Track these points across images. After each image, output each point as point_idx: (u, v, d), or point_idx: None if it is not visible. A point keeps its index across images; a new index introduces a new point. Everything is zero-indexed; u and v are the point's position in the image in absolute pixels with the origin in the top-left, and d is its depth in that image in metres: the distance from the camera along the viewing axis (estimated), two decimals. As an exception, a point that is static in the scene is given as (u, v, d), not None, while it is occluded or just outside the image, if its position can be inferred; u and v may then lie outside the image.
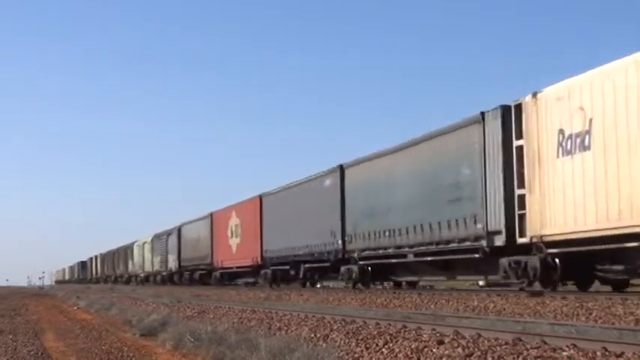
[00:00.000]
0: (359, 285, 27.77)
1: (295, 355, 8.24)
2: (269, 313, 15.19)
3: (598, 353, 6.82)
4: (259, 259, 37.67)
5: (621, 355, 6.69)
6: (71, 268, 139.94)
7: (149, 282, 66.42)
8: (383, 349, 8.53)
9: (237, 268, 41.77)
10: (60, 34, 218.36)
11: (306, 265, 32.84)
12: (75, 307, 27.07)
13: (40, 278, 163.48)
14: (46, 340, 13.87)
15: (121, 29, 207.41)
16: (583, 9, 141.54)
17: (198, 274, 49.95)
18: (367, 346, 8.90)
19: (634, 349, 6.82)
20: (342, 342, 9.48)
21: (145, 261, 68.67)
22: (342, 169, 29.35)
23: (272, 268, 36.44)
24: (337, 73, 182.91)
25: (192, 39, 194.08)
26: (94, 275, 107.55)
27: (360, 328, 10.56)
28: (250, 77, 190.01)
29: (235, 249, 42.05)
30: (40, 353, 11.46)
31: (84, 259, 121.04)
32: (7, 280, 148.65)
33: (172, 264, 56.86)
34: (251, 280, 40.89)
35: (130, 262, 76.63)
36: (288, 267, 34.50)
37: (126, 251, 79.26)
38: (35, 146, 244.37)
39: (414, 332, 9.43)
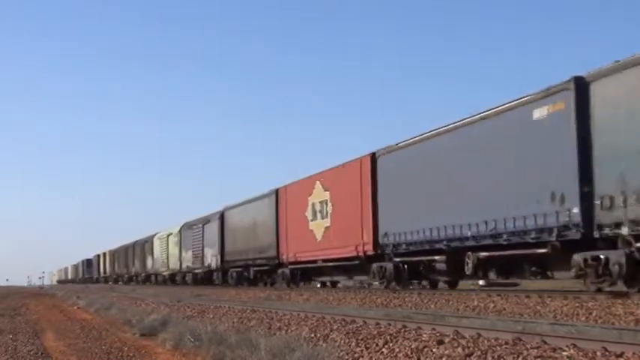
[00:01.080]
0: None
1: (295, 354, 8.24)
2: (269, 312, 15.20)
3: (598, 353, 6.82)
4: (371, 247, 25.43)
5: (621, 355, 6.69)
6: (75, 267, 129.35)
7: (175, 282, 55.57)
8: (383, 349, 8.53)
9: (326, 261, 29.63)
10: (60, 34, 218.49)
11: (493, 254, 19.39)
12: (75, 307, 27.07)
13: (40, 278, 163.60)
14: (46, 340, 13.86)
15: (121, 29, 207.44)
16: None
17: (253, 272, 38.25)
18: (367, 345, 8.90)
19: (634, 349, 6.82)
20: (342, 342, 9.48)
21: (169, 257, 56.97)
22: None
23: (397, 260, 24.06)
24: (337, 73, 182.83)
25: (192, 39, 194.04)
26: (101, 274, 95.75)
27: (360, 328, 10.56)
28: (250, 77, 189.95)
29: (321, 235, 29.77)
30: (40, 353, 11.45)
31: (89, 257, 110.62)
32: (7, 279, 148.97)
33: (211, 259, 45.01)
34: (362, 277, 28.24)
35: (148, 259, 65.21)
36: (434, 257, 21.98)
37: (143, 246, 67.77)
38: (35, 146, 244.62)
39: (414, 332, 9.43)
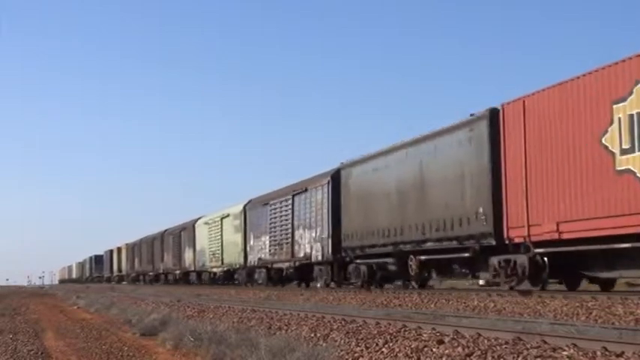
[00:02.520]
0: None
1: (295, 354, 8.23)
2: (269, 312, 15.19)
3: (598, 353, 6.82)
4: None
5: (621, 354, 6.68)
6: (80, 264, 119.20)
7: (235, 282, 41.86)
8: (383, 349, 8.53)
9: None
10: (60, 33, 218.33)
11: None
12: (75, 307, 27.06)
13: (40, 278, 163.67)
14: (46, 340, 13.86)
15: (121, 29, 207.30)
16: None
17: (417, 263, 23.01)
18: (367, 345, 8.90)
19: (634, 348, 6.82)
20: (342, 341, 9.48)
21: (225, 247, 42.50)
22: None
23: None
24: (337, 73, 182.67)
25: (192, 39, 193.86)
26: (115, 272, 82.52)
27: (360, 328, 10.56)
28: (250, 77, 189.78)
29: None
30: (40, 352, 11.45)
31: (98, 253, 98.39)
32: (7, 279, 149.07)
33: (311, 247, 30.02)
34: None
35: (186, 252, 51.08)
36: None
37: (179, 235, 53.31)
38: (35, 146, 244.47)
39: (414, 332, 9.43)
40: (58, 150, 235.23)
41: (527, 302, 15.00)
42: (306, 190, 31.09)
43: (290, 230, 32.58)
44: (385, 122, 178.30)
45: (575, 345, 7.19)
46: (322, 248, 29.15)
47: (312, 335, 10.46)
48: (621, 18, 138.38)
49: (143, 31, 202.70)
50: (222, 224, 43.43)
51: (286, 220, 33.19)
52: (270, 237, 35.33)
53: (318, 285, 29.87)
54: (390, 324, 10.60)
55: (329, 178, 29.00)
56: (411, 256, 23.43)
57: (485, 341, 8.02)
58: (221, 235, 43.47)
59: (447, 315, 13.08)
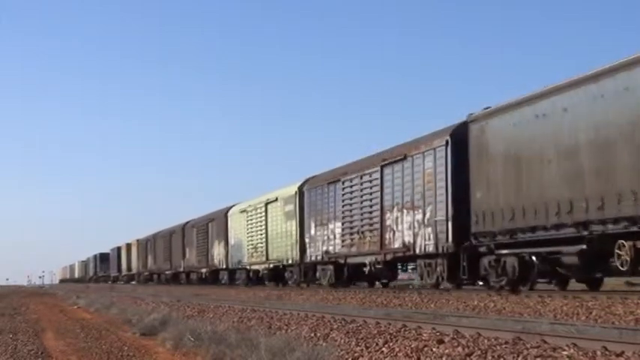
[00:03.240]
0: None
1: (295, 354, 8.23)
2: (269, 312, 15.20)
3: (598, 352, 6.82)
4: None
5: (621, 354, 6.68)
6: (84, 263, 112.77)
7: (285, 282, 33.83)
8: (383, 349, 8.52)
9: None
10: (60, 33, 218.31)
11: None
12: (75, 307, 27.06)
13: (40, 277, 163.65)
14: (46, 339, 13.85)
15: (121, 29, 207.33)
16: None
17: (632, 250, 15.28)
18: (367, 345, 8.90)
19: (634, 348, 6.82)
20: (342, 341, 9.48)
21: (271, 238, 34.73)
22: None
23: None
24: (337, 73, 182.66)
25: (192, 39, 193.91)
26: (123, 271, 76.33)
27: (360, 328, 10.56)
28: (250, 77, 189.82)
29: None
30: (40, 352, 11.44)
31: (104, 251, 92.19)
32: (7, 279, 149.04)
33: (419, 234, 22.35)
34: None
35: (215, 247, 43.86)
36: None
37: (206, 227, 45.93)
38: (35, 146, 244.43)
39: (414, 331, 9.43)
40: (58, 150, 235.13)
41: (527, 302, 15.01)
42: (404, 157, 23.25)
43: (378, 213, 24.82)
44: (385, 122, 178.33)
45: (575, 345, 7.19)
46: (435, 235, 21.37)
47: (312, 335, 10.46)
48: (621, 18, 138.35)
49: (143, 31, 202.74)
50: (266, 211, 35.35)
51: (371, 199, 25.48)
52: (343, 224, 27.42)
53: (428, 284, 22.14)
54: (390, 324, 10.60)
55: (447, 138, 21.07)
56: (621, 242, 15.49)
57: (486, 341, 8.02)
58: (265, 224, 35.48)
59: (447, 315, 13.09)
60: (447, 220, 20.84)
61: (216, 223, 44.03)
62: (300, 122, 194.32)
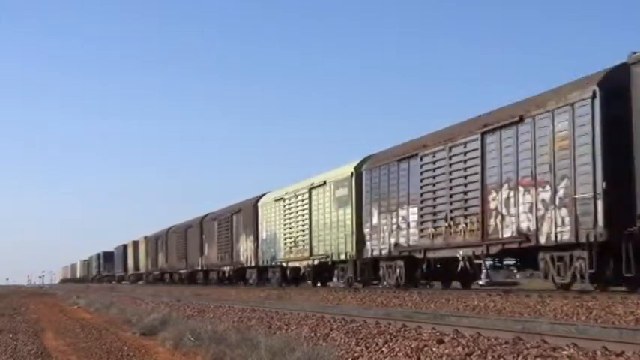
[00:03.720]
0: None
1: (295, 354, 8.23)
2: (269, 312, 15.20)
3: (598, 352, 6.82)
4: None
5: (621, 354, 6.69)
6: (86, 262, 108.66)
7: (350, 284, 26.85)
8: (383, 348, 8.52)
9: None
10: (60, 33, 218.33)
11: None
12: (75, 306, 27.05)
13: (40, 277, 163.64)
14: (46, 339, 13.85)
15: (121, 29, 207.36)
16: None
17: None
18: (367, 345, 8.90)
19: (634, 348, 6.82)
20: (342, 341, 9.48)
21: (315, 230, 29.81)
22: None
23: None
24: (337, 73, 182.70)
25: (192, 39, 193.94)
26: (130, 270, 71.52)
27: (360, 327, 10.57)
28: (250, 77, 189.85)
29: None
30: (40, 352, 11.44)
31: (108, 250, 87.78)
32: (7, 279, 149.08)
33: (545, 217, 17.18)
34: None
35: (242, 241, 38.99)
36: None
37: (230, 219, 40.99)
38: (35, 146, 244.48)
39: (414, 331, 9.44)
40: (58, 150, 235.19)
41: (527, 302, 15.00)
42: (519, 119, 18.21)
43: (477, 194, 19.79)
44: (385, 122, 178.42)
45: (575, 344, 7.20)
46: (574, 218, 16.37)
47: (312, 335, 10.46)
48: (621, 18, 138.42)
49: (143, 31, 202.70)
50: (310, 198, 30.40)
51: (465, 176, 20.49)
52: (422, 209, 22.37)
53: (557, 285, 17.46)
54: (390, 323, 10.61)
55: (594, 88, 16.12)
56: None
57: (486, 341, 8.03)
58: (309, 213, 30.41)
59: (447, 314, 13.09)
60: (595, 198, 15.79)
61: (242, 215, 39.07)
62: (300, 122, 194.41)
